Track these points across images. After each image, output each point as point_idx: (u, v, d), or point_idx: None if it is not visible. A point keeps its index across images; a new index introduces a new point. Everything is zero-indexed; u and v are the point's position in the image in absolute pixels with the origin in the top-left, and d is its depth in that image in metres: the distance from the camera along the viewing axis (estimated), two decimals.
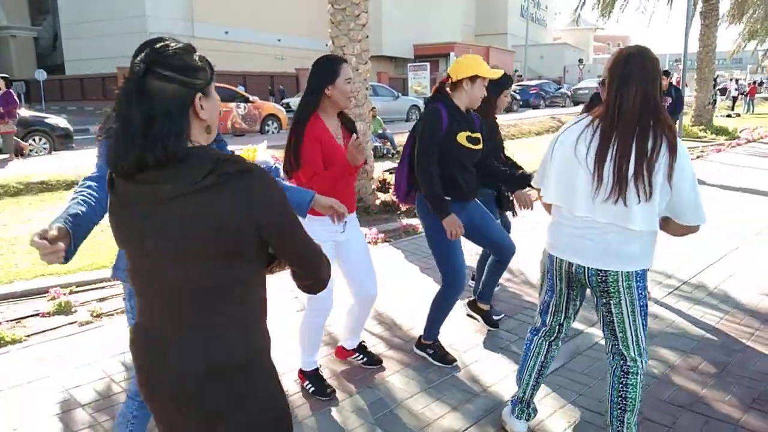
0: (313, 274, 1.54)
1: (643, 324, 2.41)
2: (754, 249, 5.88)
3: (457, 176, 3.31)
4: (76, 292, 4.75)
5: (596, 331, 3.90)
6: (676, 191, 2.20)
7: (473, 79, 3.30)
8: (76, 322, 4.18)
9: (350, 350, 3.52)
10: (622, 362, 2.44)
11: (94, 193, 1.98)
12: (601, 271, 2.33)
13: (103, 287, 4.91)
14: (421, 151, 3.25)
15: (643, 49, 2.28)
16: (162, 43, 1.36)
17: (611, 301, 2.38)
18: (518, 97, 27.90)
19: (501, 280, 4.98)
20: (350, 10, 7.32)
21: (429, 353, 3.58)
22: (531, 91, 30.22)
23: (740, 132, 18.45)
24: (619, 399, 2.43)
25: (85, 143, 15.32)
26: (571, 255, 2.40)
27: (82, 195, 1.95)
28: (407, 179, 3.49)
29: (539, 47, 57.04)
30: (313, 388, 3.18)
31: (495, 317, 4.12)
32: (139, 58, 1.34)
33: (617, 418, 2.45)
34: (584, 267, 2.37)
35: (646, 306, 2.41)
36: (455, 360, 3.55)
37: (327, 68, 2.98)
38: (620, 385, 2.43)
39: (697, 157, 13.06)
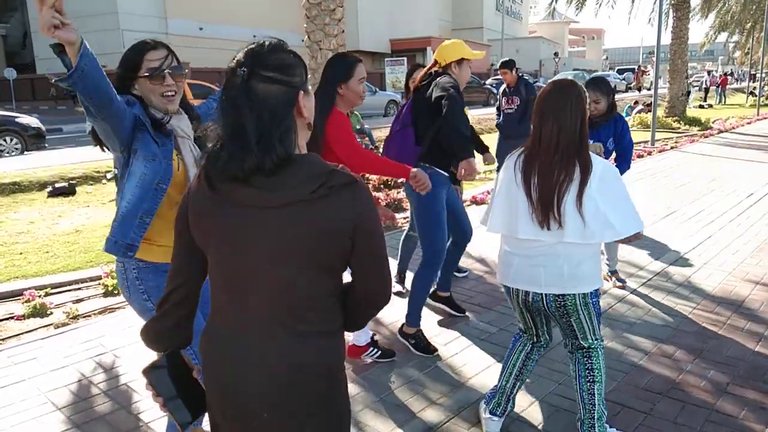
0: (382, 278, 1.48)
1: (597, 323, 2.53)
2: (726, 239, 5.99)
3: (442, 145, 3.45)
4: (52, 294, 4.67)
5: None
6: (593, 213, 2.29)
7: (460, 62, 3.50)
8: (51, 324, 4.12)
9: (364, 346, 3.51)
10: (583, 350, 2.56)
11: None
12: (558, 296, 2.40)
13: (79, 288, 4.84)
14: (456, 117, 3.30)
15: (565, 85, 2.38)
16: (257, 45, 1.35)
17: (571, 320, 2.48)
18: (495, 91, 27.99)
19: (480, 273, 5.03)
20: (325, 4, 7.30)
21: (411, 343, 3.60)
22: None
23: (713, 123, 18.77)
24: (586, 372, 2.53)
25: (58, 143, 15.08)
26: (525, 284, 2.46)
27: None
28: (414, 143, 3.60)
29: (515, 41, 57.30)
30: (378, 352, 3.48)
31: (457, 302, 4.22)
32: (237, 62, 1.32)
33: (587, 391, 2.52)
34: (541, 294, 2.43)
35: (599, 312, 2.54)
36: (437, 350, 3.57)
37: (340, 67, 3.05)
38: (585, 359, 2.55)
39: (671, 147, 13.26)
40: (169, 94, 2.17)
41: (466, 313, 4.15)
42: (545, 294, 2.42)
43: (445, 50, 3.52)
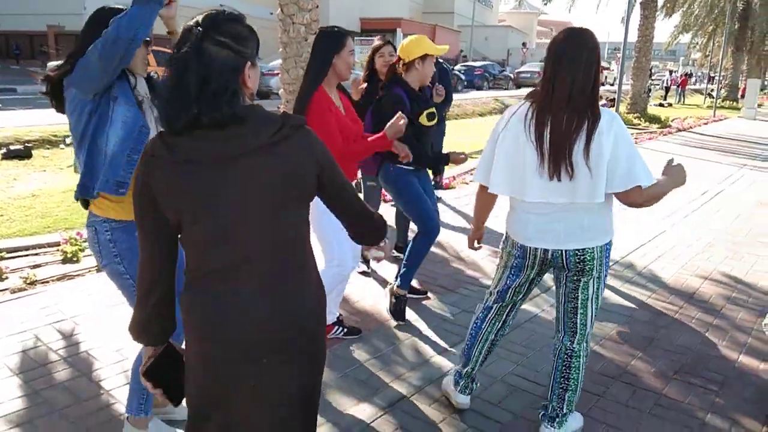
0: (365, 211, 1.69)
1: (596, 309, 2.51)
2: (680, 234, 6.21)
3: (413, 147, 3.46)
4: (7, 258, 4.55)
5: (533, 307, 4.06)
6: (610, 161, 2.24)
7: (423, 57, 3.52)
8: (7, 289, 4.01)
9: (329, 325, 3.51)
10: (569, 343, 2.54)
11: None
12: (579, 250, 2.37)
13: (36, 254, 4.72)
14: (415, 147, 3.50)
15: (580, 33, 2.28)
16: (218, 11, 1.42)
17: (582, 280, 2.43)
18: (463, 77, 28.12)
19: (444, 257, 5.10)
20: None
21: (393, 302, 3.76)
22: (476, 73, 30.52)
23: (672, 121, 19.29)
24: (562, 379, 2.55)
25: (12, 104, 14.50)
26: (545, 242, 2.40)
27: None
28: (375, 154, 3.56)
29: (484, 28, 57.46)
30: (344, 330, 3.52)
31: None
32: (195, 22, 1.39)
33: (558, 396, 2.56)
34: (561, 251, 2.39)
35: (605, 280, 2.50)
36: (403, 322, 3.76)
37: (334, 38, 3.11)
38: (564, 367, 2.54)
39: None
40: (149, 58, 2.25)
41: (428, 294, 4.21)
42: (565, 252, 2.37)
43: (409, 46, 3.56)
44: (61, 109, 2.21)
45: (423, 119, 3.54)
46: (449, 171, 8.65)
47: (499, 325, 2.74)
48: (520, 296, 2.68)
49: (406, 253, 3.76)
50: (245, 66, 1.43)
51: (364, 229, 1.73)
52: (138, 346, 2.46)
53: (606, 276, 2.52)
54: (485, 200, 2.61)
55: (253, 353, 1.47)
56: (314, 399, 1.66)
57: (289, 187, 1.44)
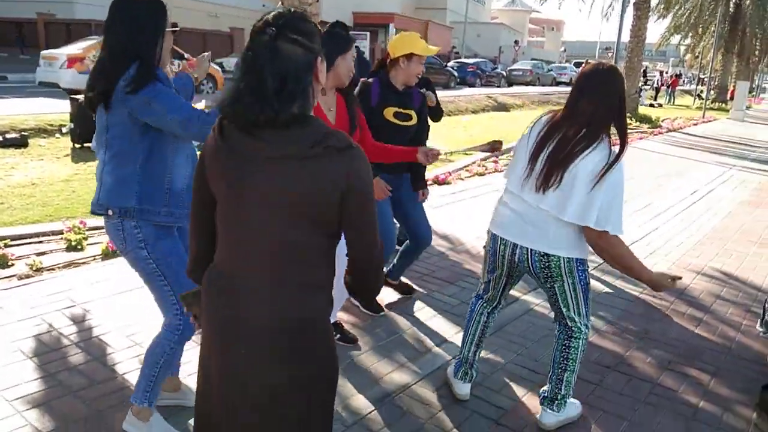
0: (372, 245, 1.56)
1: (585, 299, 2.62)
2: (671, 232, 6.35)
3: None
4: (11, 245, 4.58)
5: (532, 298, 4.17)
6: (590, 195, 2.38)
7: (409, 56, 3.41)
8: (14, 275, 4.06)
9: None
10: (566, 328, 2.68)
11: None
12: (543, 256, 2.50)
13: (40, 242, 4.76)
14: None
15: (607, 69, 2.49)
16: (285, 11, 1.46)
17: (555, 286, 2.58)
18: (456, 74, 28.21)
19: (443, 250, 5.20)
20: None
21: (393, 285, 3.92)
22: (469, 69, 30.60)
23: (662, 121, 19.51)
24: (561, 359, 2.67)
25: (4, 92, 14.40)
26: (514, 236, 2.56)
27: None
28: None
29: (476, 25, 57.57)
30: (338, 336, 3.42)
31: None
32: (266, 22, 1.43)
33: (557, 376, 2.68)
34: (527, 253, 2.53)
35: (588, 285, 2.62)
36: (383, 310, 3.85)
37: (341, 39, 2.86)
38: (563, 347, 2.67)
39: None
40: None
41: (417, 291, 4.31)
42: (531, 251, 2.51)
43: (395, 43, 3.44)
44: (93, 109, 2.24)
45: (389, 113, 3.44)
46: (446, 167, 8.76)
47: (487, 314, 2.91)
48: (500, 290, 2.83)
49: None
50: (317, 61, 1.48)
51: (361, 283, 1.65)
52: (150, 333, 2.57)
53: (584, 284, 2.59)
54: None
55: (243, 354, 1.52)
56: (311, 416, 1.61)
57: (304, 205, 1.44)
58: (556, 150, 2.42)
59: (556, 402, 2.69)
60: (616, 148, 2.43)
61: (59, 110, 10.47)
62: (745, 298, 4.52)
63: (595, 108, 2.40)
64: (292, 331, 1.51)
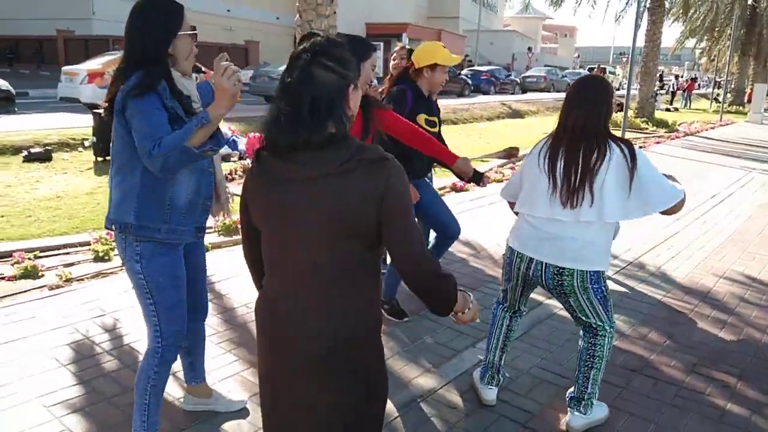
0: (418, 253, 1.52)
1: (604, 308, 2.65)
2: (692, 235, 6.33)
3: (411, 153, 3.38)
4: (41, 257, 4.69)
5: (555, 303, 4.18)
6: (640, 191, 2.49)
7: (433, 66, 3.50)
8: (45, 286, 4.16)
9: None
10: (590, 329, 2.71)
11: None
12: (557, 273, 2.56)
13: (68, 253, 4.87)
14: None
15: (594, 78, 2.63)
16: (323, 38, 1.51)
17: (569, 299, 2.63)
18: (470, 82, 28.25)
19: (464, 256, 5.23)
20: None
21: (385, 308, 3.81)
22: (482, 77, 30.63)
23: (679, 125, 19.38)
24: (588, 356, 2.70)
25: (26, 108, 14.69)
26: (530, 251, 2.63)
27: None
28: None
29: (489, 33, 57.69)
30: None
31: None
32: (303, 49, 1.48)
33: (583, 374, 2.71)
34: (541, 267, 2.59)
35: (606, 294, 2.64)
36: (407, 315, 3.88)
37: (363, 45, 2.87)
38: (590, 345, 2.70)
39: (640, 147, 13.67)
40: (197, 53, 2.27)
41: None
42: (545, 266, 2.57)
43: (420, 53, 3.54)
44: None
45: (420, 119, 3.54)
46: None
47: (509, 318, 2.96)
48: (517, 299, 2.90)
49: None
50: (349, 88, 1.52)
51: (422, 293, 1.57)
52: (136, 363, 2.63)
53: (601, 298, 2.62)
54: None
55: (289, 368, 1.57)
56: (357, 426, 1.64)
57: (341, 219, 1.46)
58: (568, 167, 2.49)
59: (583, 402, 2.71)
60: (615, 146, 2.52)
61: (81, 125, 10.66)
62: None
63: (586, 117, 2.50)
64: (341, 350, 1.54)
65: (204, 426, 2.67)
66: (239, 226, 5.43)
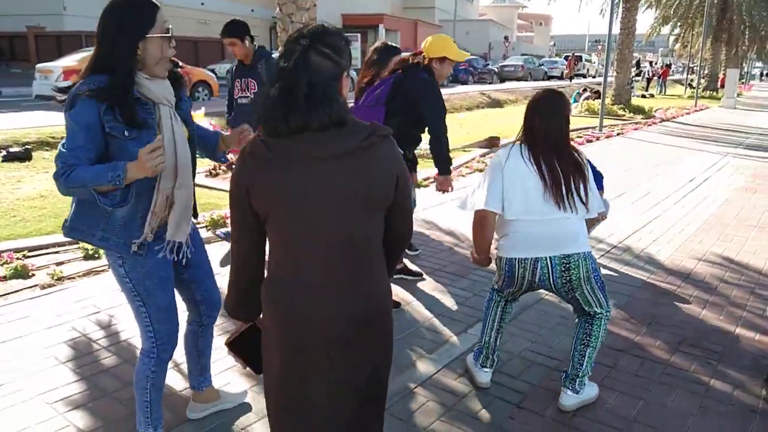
0: (409, 224, 1.77)
1: (603, 292, 2.80)
2: (672, 219, 6.49)
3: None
4: (30, 256, 4.68)
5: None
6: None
7: (442, 59, 3.63)
8: (37, 285, 4.16)
9: None
10: (588, 316, 2.83)
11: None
12: (564, 270, 2.68)
13: (57, 252, 4.85)
14: (439, 118, 3.75)
15: (554, 94, 2.84)
16: (319, 26, 1.56)
17: (576, 293, 2.74)
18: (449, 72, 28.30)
19: (450, 245, 5.32)
20: None
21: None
22: (461, 67, 30.63)
23: (655, 111, 19.68)
24: (584, 335, 2.81)
25: (0, 106, 14.44)
26: (533, 251, 2.71)
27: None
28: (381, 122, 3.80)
29: (465, 23, 57.67)
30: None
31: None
32: (300, 35, 1.53)
33: (579, 352, 2.82)
34: (548, 263, 2.68)
35: (601, 277, 2.80)
36: (421, 273, 4.16)
37: (389, 51, 3.14)
38: (586, 325, 2.82)
39: (618, 134, 13.91)
40: (173, 55, 2.13)
41: (423, 276, 4.51)
42: (551, 265, 2.67)
43: (432, 44, 3.71)
44: None
45: None
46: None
47: (505, 302, 3.07)
48: (516, 297, 3.04)
49: None
50: (342, 75, 1.57)
51: (394, 255, 1.78)
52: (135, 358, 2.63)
53: (599, 281, 2.78)
54: (491, 226, 2.84)
55: (323, 343, 1.59)
56: (381, 393, 1.76)
57: (368, 191, 1.55)
58: (555, 173, 2.68)
59: (577, 380, 2.81)
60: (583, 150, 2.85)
61: (60, 123, 10.53)
62: (748, 280, 4.65)
63: (548, 126, 2.71)
64: (374, 320, 1.63)
65: (214, 421, 2.71)
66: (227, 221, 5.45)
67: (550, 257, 2.68)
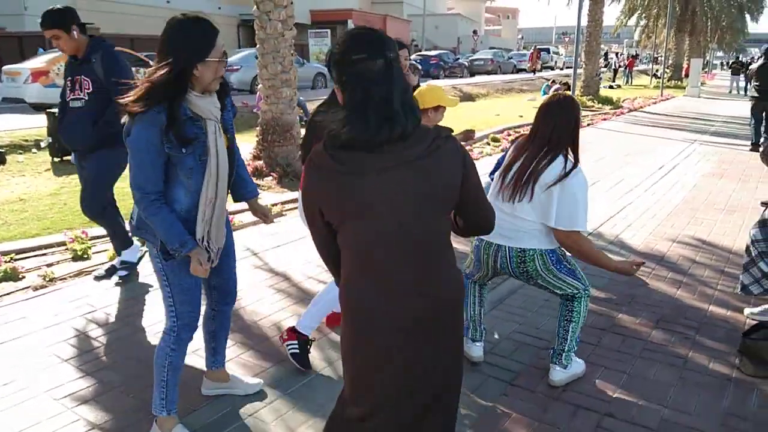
0: (485, 212, 1.82)
1: (574, 277, 2.95)
2: (644, 205, 6.74)
3: None
4: (18, 259, 4.68)
5: None
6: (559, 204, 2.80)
7: (437, 108, 3.70)
8: (29, 287, 4.18)
9: (293, 334, 3.22)
10: (567, 295, 2.99)
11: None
12: (520, 259, 2.87)
13: (45, 254, 4.87)
14: None
15: (565, 98, 2.98)
16: (385, 36, 1.61)
17: (538, 281, 2.94)
18: (420, 66, 28.46)
19: None
20: None
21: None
22: (431, 62, 30.95)
23: (623, 102, 20.13)
24: (566, 312, 2.98)
25: None
26: (496, 239, 2.91)
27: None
28: None
29: (434, 17, 57.89)
30: (296, 352, 3.13)
31: None
32: (377, 48, 1.56)
33: (563, 328, 2.99)
34: (507, 257, 2.90)
35: (571, 267, 2.96)
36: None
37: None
38: (567, 303, 3.00)
39: (588, 124, 14.22)
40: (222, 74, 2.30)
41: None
42: (509, 250, 2.89)
43: (426, 96, 3.74)
44: None
45: None
46: None
47: (478, 288, 3.27)
48: (486, 281, 3.24)
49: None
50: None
51: (480, 229, 1.88)
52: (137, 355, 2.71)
53: (565, 270, 2.93)
54: (586, 241, 3.03)
55: (404, 339, 1.67)
56: (457, 384, 1.83)
57: (438, 192, 1.61)
58: (523, 167, 2.86)
59: (564, 354, 2.98)
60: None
61: (30, 125, 10.43)
62: (718, 260, 4.88)
63: (553, 129, 2.84)
64: (452, 310, 1.73)
65: (219, 403, 2.80)
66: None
67: (508, 247, 2.89)
